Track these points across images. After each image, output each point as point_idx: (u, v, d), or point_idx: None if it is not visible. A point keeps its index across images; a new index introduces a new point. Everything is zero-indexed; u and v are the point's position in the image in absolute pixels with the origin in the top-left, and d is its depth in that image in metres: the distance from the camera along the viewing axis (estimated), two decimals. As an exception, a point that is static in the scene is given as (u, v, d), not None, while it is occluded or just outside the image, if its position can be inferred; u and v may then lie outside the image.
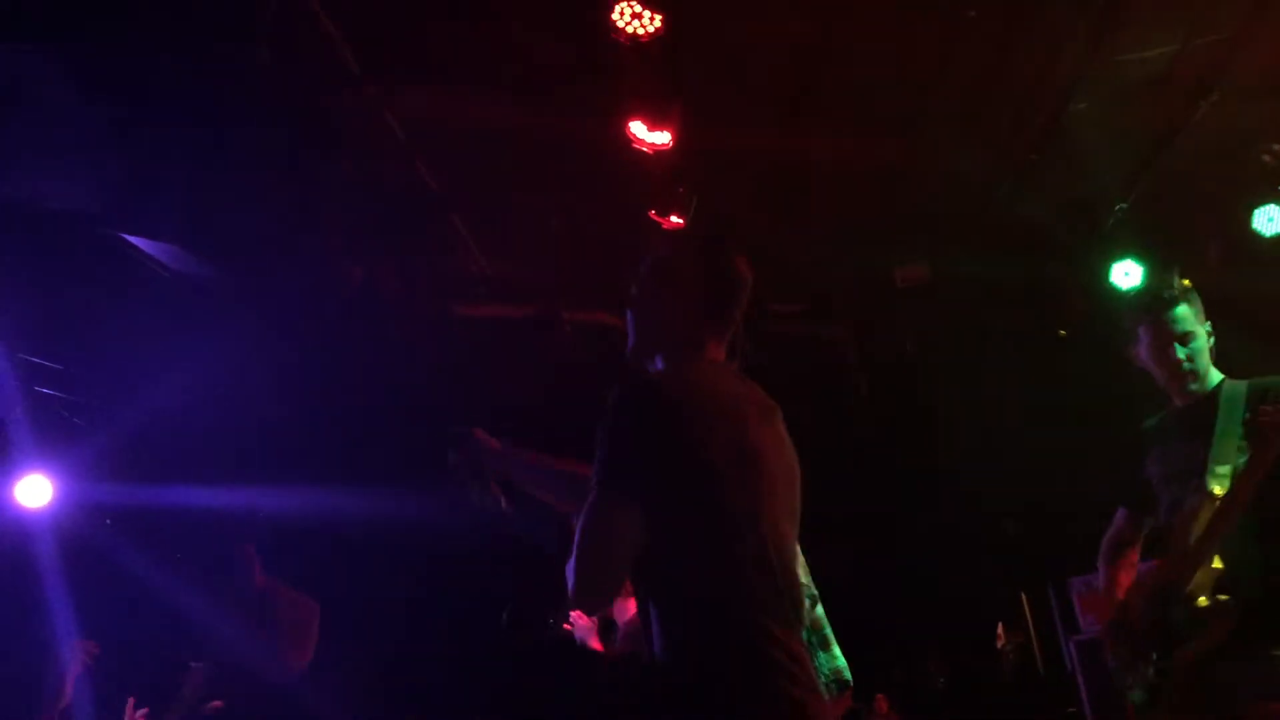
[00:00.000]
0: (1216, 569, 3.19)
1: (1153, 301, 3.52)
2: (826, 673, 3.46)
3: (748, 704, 2.03)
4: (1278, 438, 3.10)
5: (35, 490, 6.96)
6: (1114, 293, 7.05)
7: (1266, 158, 6.08)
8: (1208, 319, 3.53)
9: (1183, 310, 3.45)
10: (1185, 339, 3.43)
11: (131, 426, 6.88)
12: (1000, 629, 8.97)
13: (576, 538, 2.15)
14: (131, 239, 5.47)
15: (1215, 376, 3.46)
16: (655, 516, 2.11)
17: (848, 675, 3.53)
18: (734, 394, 2.29)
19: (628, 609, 5.49)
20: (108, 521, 7.80)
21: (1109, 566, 3.66)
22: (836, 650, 3.53)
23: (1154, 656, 3.29)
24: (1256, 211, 6.35)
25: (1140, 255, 6.97)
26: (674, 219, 5.93)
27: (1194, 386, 3.43)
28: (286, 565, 8.41)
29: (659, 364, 2.42)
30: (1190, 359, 3.42)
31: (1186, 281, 6.94)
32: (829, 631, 3.57)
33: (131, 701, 5.43)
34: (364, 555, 8.77)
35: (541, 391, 7.46)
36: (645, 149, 5.23)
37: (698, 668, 2.09)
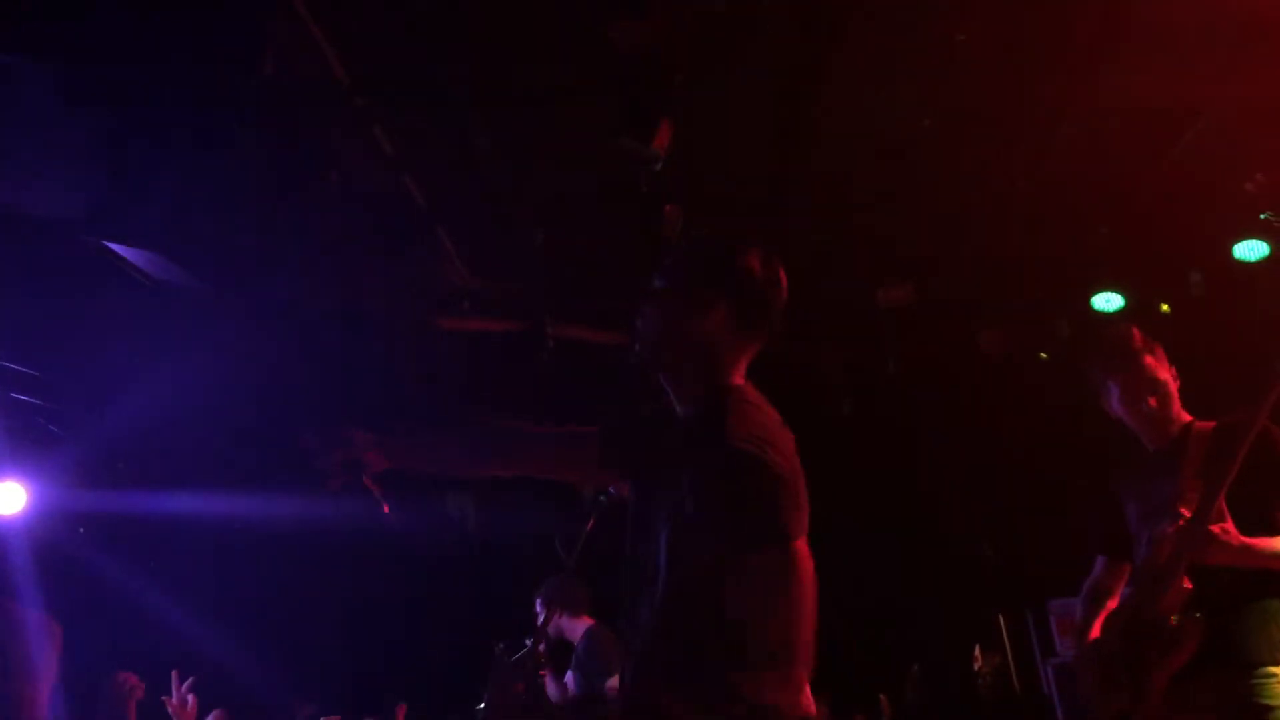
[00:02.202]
0: (1186, 588, 3.23)
1: (1120, 355, 3.65)
2: None
3: None
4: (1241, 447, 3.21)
5: (9, 497, 6.91)
6: (1096, 317, 7.10)
7: (1249, 186, 6.13)
8: (1177, 356, 3.69)
9: (1149, 360, 3.60)
10: (1155, 385, 3.58)
11: (108, 434, 6.83)
12: (977, 651, 8.96)
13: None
14: (112, 246, 5.43)
15: (1183, 419, 3.62)
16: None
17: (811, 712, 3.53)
18: (786, 434, 2.22)
19: (579, 629, 5.47)
20: (80, 530, 7.74)
21: (1086, 613, 3.72)
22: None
23: (1126, 680, 3.31)
24: (1238, 244, 6.39)
25: (1122, 281, 7.01)
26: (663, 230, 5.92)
27: (1167, 430, 3.59)
28: (263, 572, 8.39)
29: (689, 375, 2.31)
30: (1162, 404, 3.58)
31: (1165, 307, 7.00)
32: None
33: (175, 674, 5.17)
34: (340, 562, 8.74)
35: (524, 405, 7.43)
36: (636, 161, 5.22)
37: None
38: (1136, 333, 3.69)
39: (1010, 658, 8.69)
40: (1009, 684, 8.69)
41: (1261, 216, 6.31)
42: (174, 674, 4.94)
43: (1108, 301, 7.06)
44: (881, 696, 9.07)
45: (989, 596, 8.90)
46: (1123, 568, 3.70)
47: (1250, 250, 6.40)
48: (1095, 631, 3.61)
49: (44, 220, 5.00)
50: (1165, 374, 3.62)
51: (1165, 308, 7.07)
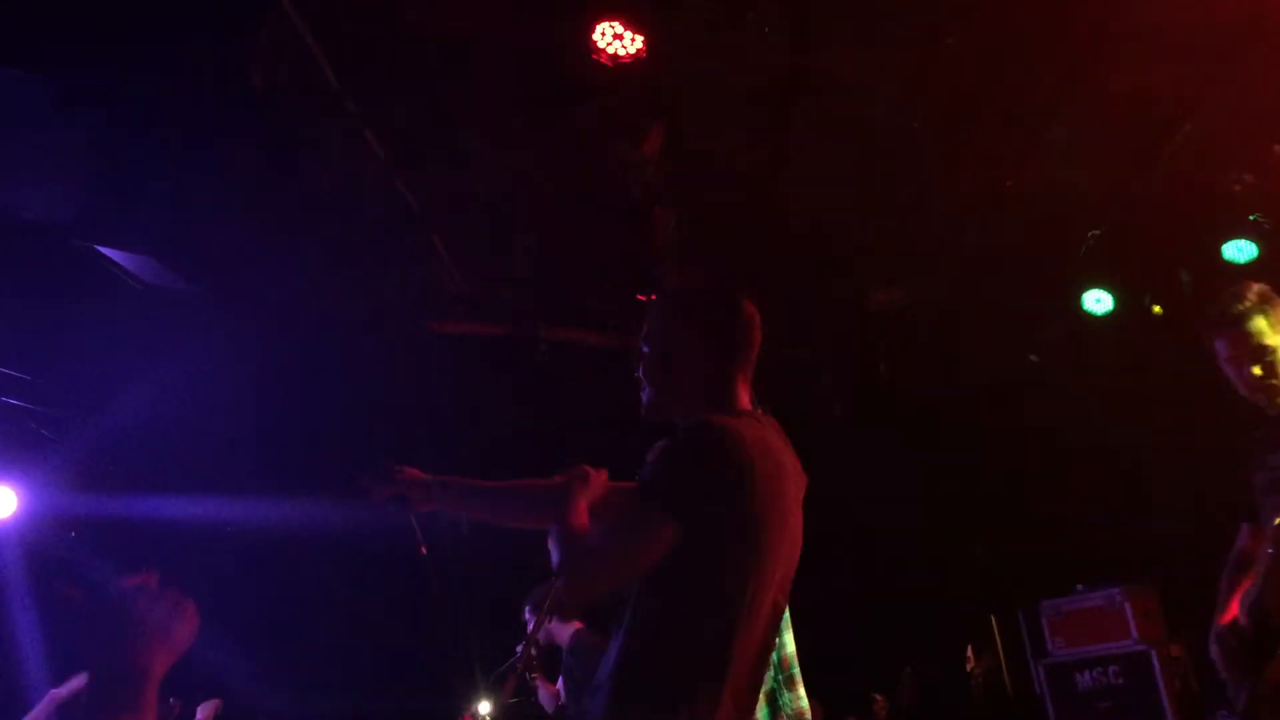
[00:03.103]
0: None
1: (1226, 314, 3.31)
2: (790, 712, 3.44)
3: None
4: None
5: (1, 501, 6.89)
6: (1086, 319, 7.12)
7: (1238, 187, 6.15)
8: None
9: (1259, 323, 3.25)
10: (1261, 353, 3.23)
11: (99, 438, 6.82)
12: (970, 651, 8.98)
13: (605, 534, 2.19)
14: (104, 250, 5.43)
15: None
16: (686, 554, 2.11)
17: (809, 716, 3.52)
18: (781, 453, 2.28)
19: (567, 634, 5.47)
20: (72, 534, 7.72)
21: (1226, 584, 3.41)
22: (801, 691, 3.51)
23: (1245, 669, 3.19)
24: (1227, 244, 6.43)
25: (1112, 282, 7.03)
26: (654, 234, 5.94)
27: (1276, 400, 3.26)
28: (257, 576, 8.38)
29: (692, 413, 2.33)
30: (1268, 372, 3.23)
31: (1157, 308, 7.00)
32: (796, 671, 3.56)
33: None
34: (333, 565, 8.72)
35: (518, 409, 7.44)
36: (626, 165, 5.25)
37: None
38: (1255, 288, 3.30)
39: (1003, 658, 8.72)
40: (1001, 684, 8.71)
41: (1251, 218, 6.34)
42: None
43: (1098, 302, 7.08)
44: (877, 696, 9.09)
45: (981, 597, 8.92)
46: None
47: (1239, 251, 6.43)
48: (1233, 608, 3.30)
49: (35, 224, 4.99)
50: (1277, 337, 3.22)
51: (1156, 309, 7.10)
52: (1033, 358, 7.73)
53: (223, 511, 7.44)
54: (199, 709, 5.76)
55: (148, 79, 4.14)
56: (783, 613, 2.32)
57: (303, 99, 4.75)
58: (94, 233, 5.17)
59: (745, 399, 2.37)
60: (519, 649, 4.95)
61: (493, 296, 6.69)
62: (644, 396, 2.44)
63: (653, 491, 2.17)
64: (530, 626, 5.28)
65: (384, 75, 4.81)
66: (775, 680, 3.44)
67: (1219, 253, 6.46)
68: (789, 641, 3.52)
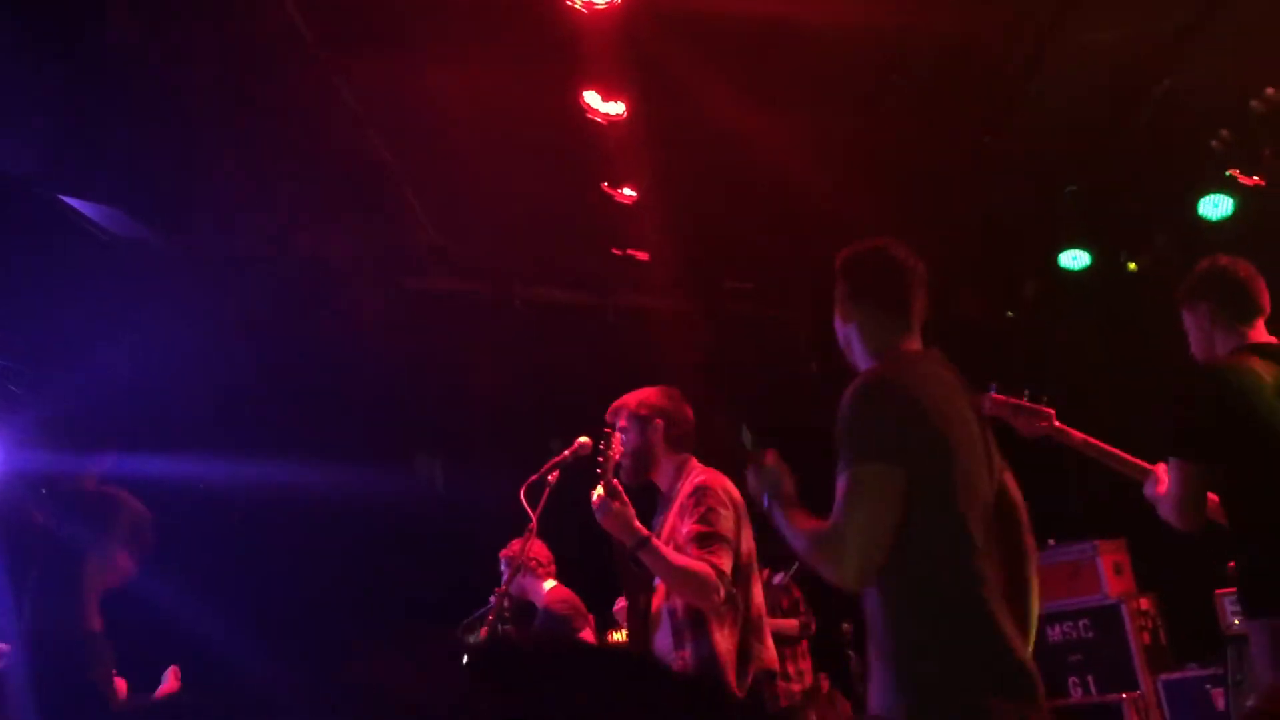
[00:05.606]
0: None
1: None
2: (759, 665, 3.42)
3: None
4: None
5: (-31, 458, 6.83)
6: (1063, 275, 7.13)
7: (1215, 144, 6.15)
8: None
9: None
10: None
11: (71, 395, 6.74)
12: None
13: (838, 518, 2.27)
14: (70, 201, 5.33)
15: None
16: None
17: (777, 668, 3.50)
18: (948, 376, 2.51)
19: (541, 589, 5.46)
20: (43, 490, 7.65)
21: None
22: (769, 642, 3.48)
23: None
24: (1203, 200, 6.43)
25: (1089, 239, 7.03)
26: (627, 190, 5.89)
27: None
28: (227, 535, 8.33)
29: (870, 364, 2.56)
30: None
31: (1132, 265, 7.02)
32: (764, 623, 3.53)
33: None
34: (306, 526, 8.69)
35: (492, 366, 7.40)
36: (599, 120, 5.18)
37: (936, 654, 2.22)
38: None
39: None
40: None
41: (1227, 174, 6.34)
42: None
43: (1074, 259, 7.09)
44: (844, 625, 9.11)
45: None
46: None
47: (1215, 207, 6.43)
48: None
49: (-1, 175, 4.90)
50: None
51: (1132, 265, 7.11)
52: (1009, 314, 7.74)
53: (194, 468, 7.39)
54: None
55: (108, 23, 4.04)
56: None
57: (274, 49, 4.67)
58: (58, 183, 5.08)
59: (911, 343, 2.59)
60: (491, 599, 4.93)
61: (468, 253, 6.63)
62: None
63: (852, 456, 2.29)
64: (505, 579, 5.27)
65: (356, 25, 4.73)
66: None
67: (1195, 209, 6.47)
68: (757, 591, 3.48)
